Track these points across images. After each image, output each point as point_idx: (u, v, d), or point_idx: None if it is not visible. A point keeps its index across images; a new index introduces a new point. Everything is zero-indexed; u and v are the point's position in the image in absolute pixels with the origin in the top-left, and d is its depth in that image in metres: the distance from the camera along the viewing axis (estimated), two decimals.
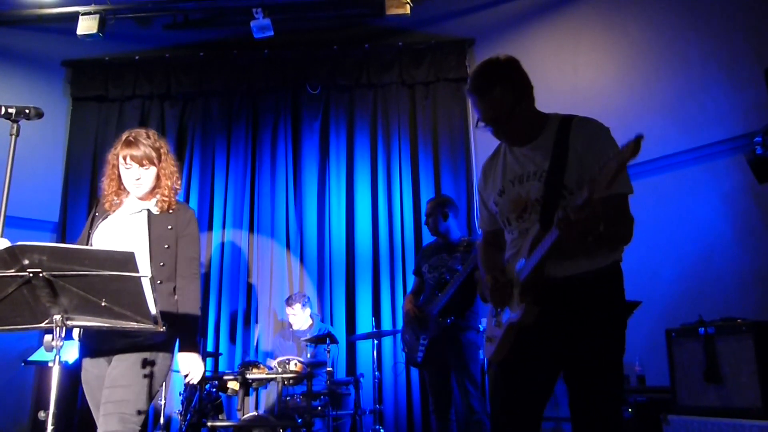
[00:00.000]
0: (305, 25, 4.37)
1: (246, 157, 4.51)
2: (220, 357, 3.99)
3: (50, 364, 1.38)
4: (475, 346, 2.78)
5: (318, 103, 4.57)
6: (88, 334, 1.73)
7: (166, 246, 1.82)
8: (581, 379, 1.44)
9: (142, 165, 1.82)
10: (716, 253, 3.16)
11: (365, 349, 4.01)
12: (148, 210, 1.85)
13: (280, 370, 3.14)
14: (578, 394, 1.44)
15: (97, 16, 3.98)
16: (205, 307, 4.26)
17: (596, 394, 1.42)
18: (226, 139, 4.56)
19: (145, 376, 1.70)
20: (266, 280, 4.30)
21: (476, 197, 4.19)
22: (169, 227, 1.84)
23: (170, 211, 1.86)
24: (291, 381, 3.17)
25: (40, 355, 3.53)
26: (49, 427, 1.37)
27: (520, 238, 1.52)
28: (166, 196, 1.85)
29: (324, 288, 4.25)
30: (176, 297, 1.82)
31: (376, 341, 3.49)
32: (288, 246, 4.35)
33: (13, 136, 1.60)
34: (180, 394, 3.30)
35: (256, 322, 4.23)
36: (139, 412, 1.67)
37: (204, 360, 3.67)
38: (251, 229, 4.41)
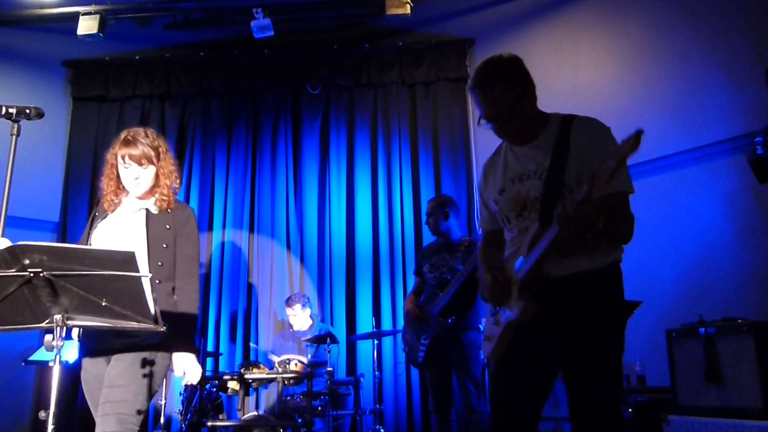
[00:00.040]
0: (305, 25, 4.37)
1: (246, 157, 4.51)
2: (220, 357, 4.01)
3: (51, 364, 1.38)
4: (476, 346, 2.78)
5: (318, 103, 4.57)
6: (87, 334, 1.72)
7: (165, 245, 1.81)
8: (580, 378, 1.43)
9: (140, 164, 1.81)
10: (717, 253, 3.15)
11: (365, 349, 4.01)
12: (147, 209, 1.84)
13: (280, 370, 3.14)
14: (577, 394, 1.44)
15: (98, 16, 3.98)
16: (205, 307, 4.25)
17: (595, 394, 1.41)
18: (226, 139, 4.56)
19: (144, 375, 1.69)
20: (266, 280, 4.30)
21: (476, 197, 4.20)
22: (167, 226, 1.83)
23: (169, 211, 1.85)
24: (291, 381, 3.17)
25: (40, 354, 3.53)
26: (50, 427, 1.37)
27: (519, 237, 1.52)
28: (165, 195, 1.84)
29: (324, 288, 4.25)
30: (175, 297, 1.81)
31: (376, 341, 3.49)
32: (288, 246, 4.35)
33: (14, 136, 1.60)
34: (180, 394, 3.30)
35: (257, 322, 4.24)
36: (138, 412, 1.66)
37: (204, 360, 3.70)
38: (251, 229, 4.41)
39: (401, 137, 4.43)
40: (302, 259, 4.33)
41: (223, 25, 4.36)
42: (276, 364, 3.20)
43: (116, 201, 1.86)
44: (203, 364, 3.62)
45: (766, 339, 2.31)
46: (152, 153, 1.83)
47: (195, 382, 1.81)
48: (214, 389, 3.34)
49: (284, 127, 4.55)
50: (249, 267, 4.34)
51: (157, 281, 1.74)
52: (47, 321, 1.37)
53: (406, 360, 3.29)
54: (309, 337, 3.58)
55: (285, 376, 3.11)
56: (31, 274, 1.28)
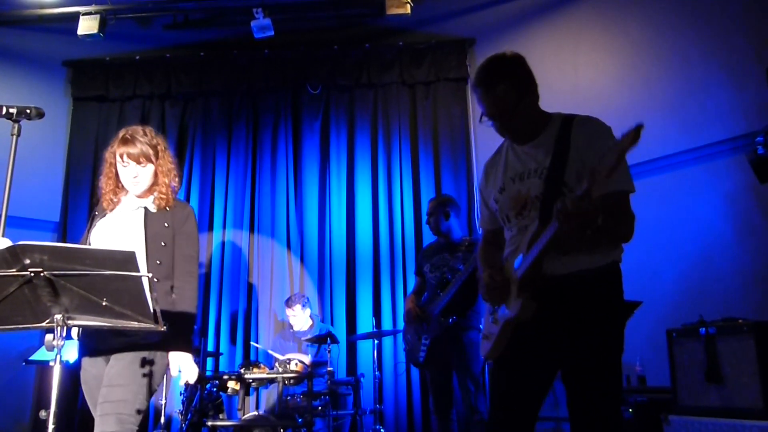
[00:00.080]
0: (305, 24, 4.37)
1: (246, 157, 4.51)
2: (220, 357, 4.01)
3: (51, 364, 1.37)
4: (477, 346, 2.78)
5: (318, 103, 4.57)
6: (85, 334, 1.71)
7: (163, 243, 1.79)
8: (579, 377, 1.43)
9: (139, 162, 1.80)
10: (717, 253, 3.15)
11: (366, 349, 4.01)
12: (145, 207, 1.83)
13: (280, 369, 3.14)
14: (577, 393, 1.44)
15: (98, 16, 3.98)
16: (205, 307, 4.26)
17: (595, 394, 1.41)
18: (226, 139, 4.56)
19: (144, 375, 1.69)
20: (267, 280, 4.30)
21: (477, 197, 4.20)
22: (166, 224, 1.82)
23: (167, 209, 1.84)
24: (291, 381, 3.17)
25: (41, 354, 3.53)
26: (50, 427, 1.37)
27: (519, 235, 1.52)
28: (164, 194, 1.83)
29: (324, 288, 4.25)
30: (174, 295, 1.79)
31: (376, 341, 3.49)
32: (288, 246, 4.35)
33: (14, 136, 1.60)
34: (180, 394, 3.30)
35: (257, 322, 4.24)
36: (138, 412, 1.65)
37: (204, 360, 3.70)
38: (252, 229, 4.41)
39: (401, 137, 4.43)
40: (302, 259, 4.33)
41: (223, 25, 4.36)
42: (276, 364, 3.20)
43: (115, 200, 1.85)
44: (203, 364, 3.63)
45: (766, 339, 2.31)
46: (150, 151, 1.81)
47: (191, 382, 1.79)
48: (215, 389, 3.35)
49: (284, 127, 4.55)
50: (249, 267, 4.34)
51: (156, 280, 1.73)
52: (48, 321, 1.37)
53: (407, 360, 3.29)
54: (309, 337, 3.58)
55: (285, 375, 3.11)
56: (32, 274, 1.28)
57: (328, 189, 4.43)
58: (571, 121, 1.50)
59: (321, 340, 3.41)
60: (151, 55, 4.61)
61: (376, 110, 4.53)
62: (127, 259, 1.31)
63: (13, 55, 4.39)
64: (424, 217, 3.68)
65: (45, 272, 1.28)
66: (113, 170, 1.84)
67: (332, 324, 4.12)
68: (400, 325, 3.98)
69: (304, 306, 3.86)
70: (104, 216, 1.85)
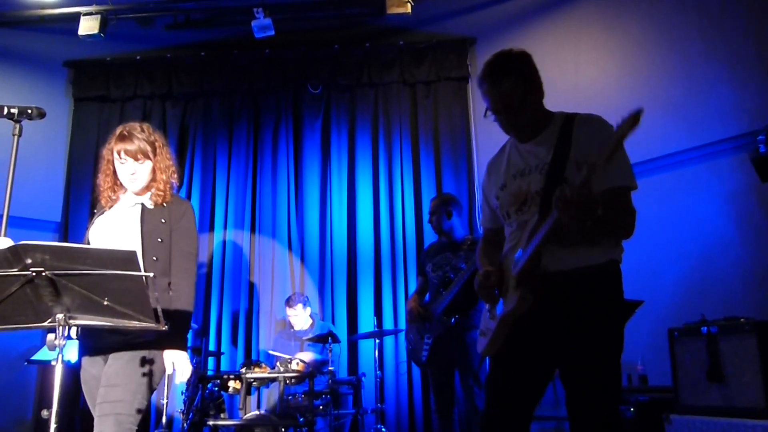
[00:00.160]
0: (306, 24, 4.37)
1: (247, 157, 4.51)
2: (222, 356, 4.01)
3: (53, 363, 1.38)
4: None
5: (319, 102, 4.57)
6: (83, 333, 1.70)
7: (160, 240, 1.77)
8: (578, 375, 1.43)
9: (137, 159, 1.78)
10: (719, 252, 3.15)
11: (367, 349, 4.01)
12: (142, 204, 1.81)
13: (282, 369, 3.15)
14: (575, 391, 1.43)
15: (99, 16, 3.98)
16: (206, 307, 4.26)
17: (594, 392, 1.41)
18: (227, 139, 4.57)
19: (143, 374, 1.68)
20: (268, 279, 4.30)
21: (478, 196, 4.19)
22: (163, 220, 1.80)
23: (164, 205, 1.82)
24: (293, 380, 3.17)
25: (42, 354, 3.54)
26: (52, 426, 1.37)
27: (518, 231, 1.52)
28: (161, 190, 1.81)
29: (325, 287, 4.25)
30: (171, 293, 1.77)
31: (377, 340, 3.49)
32: (289, 245, 4.35)
33: (16, 137, 1.61)
34: (182, 393, 3.31)
35: (258, 322, 4.24)
36: (137, 411, 1.64)
37: (206, 359, 3.70)
38: (252, 229, 4.41)
39: (402, 136, 4.43)
40: (303, 259, 4.33)
41: (223, 24, 4.36)
42: (278, 363, 3.21)
43: (114, 197, 1.84)
44: (205, 364, 3.63)
45: None
46: (148, 148, 1.80)
47: (183, 380, 1.75)
48: (216, 388, 3.35)
49: (285, 126, 4.55)
50: (250, 266, 4.35)
51: (153, 276, 1.72)
52: (49, 320, 1.37)
53: (410, 359, 3.28)
54: (310, 336, 3.58)
55: (286, 375, 3.11)
56: (34, 274, 1.28)
57: (329, 188, 4.43)
58: (573, 119, 1.50)
59: (322, 339, 3.41)
60: (151, 55, 4.62)
61: (377, 110, 4.53)
62: (128, 259, 1.31)
63: (14, 55, 4.40)
64: (425, 216, 3.69)
65: (46, 272, 1.28)
66: (111, 167, 1.83)
67: (333, 323, 4.12)
68: (402, 324, 3.98)
69: (305, 305, 3.86)
70: (102, 214, 1.85)
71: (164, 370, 1.76)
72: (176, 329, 1.74)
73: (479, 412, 2.69)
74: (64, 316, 1.36)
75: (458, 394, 2.85)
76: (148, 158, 1.81)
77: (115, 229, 1.79)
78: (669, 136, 3.38)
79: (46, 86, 4.54)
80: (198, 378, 3.27)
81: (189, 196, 4.42)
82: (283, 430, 2.99)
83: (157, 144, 1.84)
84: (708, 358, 2.42)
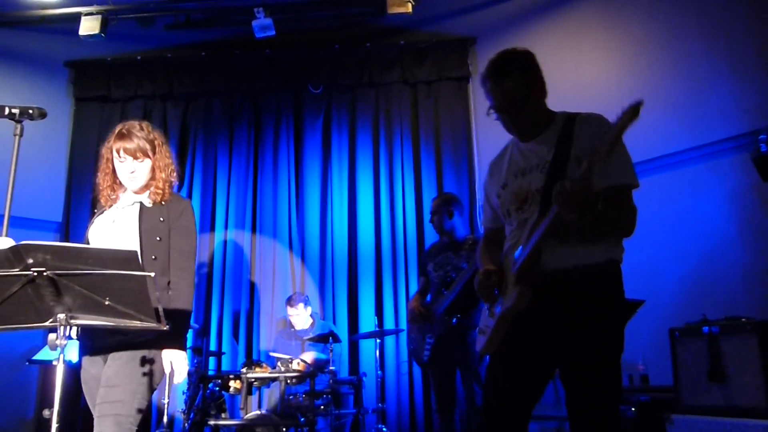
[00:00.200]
0: (306, 24, 4.37)
1: (248, 157, 4.52)
2: (223, 356, 4.01)
3: (54, 363, 1.38)
4: None
5: (320, 102, 4.57)
6: (83, 333, 1.70)
7: (158, 238, 1.76)
8: (578, 374, 1.42)
9: (136, 158, 1.77)
10: (720, 252, 3.14)
11: (368, 348, 4.01)
12: (141, 203, 1.80)
13: (282, 369, 3.15)
14: (575, 391, 1.43)
15: (99, 16, 3.99)
16: (208, 307, 4.26)
17: (593, 392, 1.40)
18: (228, 139, 4.57)
19: (143, 374, 1.67)
20: (269, 279, 4.30)
21: (478, 196, 4.19)
22: (161, 219, 1.78)
23: (163, 203, 1.81)
24: (294, 380, 3.17)
25: (44, 354, 3.54)
26: (54, 425, 1.37)
27: (518, 229, 1.52)
28: (160, 188, 1.80)
29: (326, 287, 4.25)
30: (170, 292, 1.76)
31: (378, 340, 3.49)
32: (290, 245, 4.36)
33: (17, 137, 1.61)
34: (183, 393, 3.31)
35: (259, 322, 4.24)
36: (138, 411, 1.63)
37: (207, 359, 3.70)
38: (253, 229, 4.41)
39: (403, 136, 4.43)
40: (304, 258, 4.33)
41: (224, 24, 4.37)
42: (279, 363, 3.21)
43: (113, 196, 1.83)
44: (206, 363, 3.63)
45: None
46: (147, 146, 1.79)
47: (179, 381, 1.73)
48: (217, 388, 3.35)
49: (286, 126, 4.55)
50: (251, 266, 4.35)
51: (153, 275, 1.71)
52: (51, 320, 1.37)
53: (411, 359, 3.28)
54: (311, 335, 3.58)
55: (287, 375, 3.11)
56: (35, 274, 1.28)
57: (329, 188, 4.43)
58: (574, 119, 1.51)
59: (323, 339, 3.41)
60: (152, 55, 4.62)
61: (378, 110, 4.53)
62: (130, 259, 1.31)
63: (15, 55, 4.40)
64: (426, 216, 3.68)
65: (48, 272, 1.28)
66: (110, 166, 1.82)
67: (334, 323, 4.12)
68: (403, 324, 3.98)
69: (306, 304, 3.86)
70: (102, 213, 1.84)
71: (163, 369, 1.75)
72: (175, 329, 1.71)
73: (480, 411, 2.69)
74: (66, 316, 1.36)
75: (460, 394, 2.85)
76: (148, 157, 1.79)
77: (114, 228, 1.79)
78: (670, 136, 3.38)
79: (47, 86, 4.55)
80: (199, 378, 3.27)
81: (190, 196, 4.42)
82: (284, 429, 2.99)
83: (156, 142, 1.83)
84: (709, 357, 2.42)
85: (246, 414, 3.08)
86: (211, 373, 3.63)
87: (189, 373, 3.30)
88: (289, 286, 4.27)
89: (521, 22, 4.23)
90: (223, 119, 4.60)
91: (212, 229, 4.42)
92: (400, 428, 3.94)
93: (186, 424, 3.15)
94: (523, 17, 4.22)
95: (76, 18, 4.02)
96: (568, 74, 3.91)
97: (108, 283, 1.33)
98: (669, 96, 3.45)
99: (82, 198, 4.44)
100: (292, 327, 3.91)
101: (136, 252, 1.32)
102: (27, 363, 3.57)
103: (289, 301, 3.88)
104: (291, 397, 3.31)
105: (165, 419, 3.14)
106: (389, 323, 4.08)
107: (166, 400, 3.06)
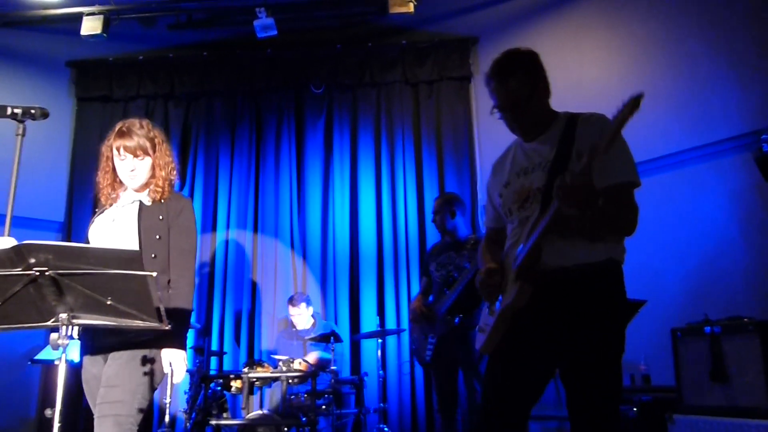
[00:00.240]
0: (308, 24, 4.37)
1: (249, 157, 4.52)
2: (224, 356, 4.02)
3: (56, 363, 1.38)
4: None
5: (321, 102, 4.57)
6: (84, 332, 1.69)
7: (158, 237, 1.75)
8: (578, 374, 1.42)
9: (136, 155, 1.76)
10: (722, 252, 3.14)
11: (369, 348, 4.02)
12: (140, 201, 1.80)
13: (284, 368, 3.15)
14: (575, 390, 1.43)
15: (101, 16, 3.99)
16: (209, 306, 4.27)
17: (594, 391, 1.40)
18: (229, 139, 4.57)
19: (144, 374, 1.66)
20: (270, 279, 4.31)
21: (480, 196, 4.19)
22: (160, 217, 1.77)
23: (162, 201, 1.80)
24: (295, 379, 3.18)
25: (46, 353, 3.55)
26: (56, 425, 1.37)
27: (519, 227, 1.52)
28: (160, 187, 1.79)
29: (328, 287, 4.25)
30: (170, 291, 1.76)
31: (380, 340, 3.49)
32: (292, 245, 4.36)
33: (19, 137, 1.61)
34: (185, 393, 3.31)
35: (260, 321, 4.24)
36: (138, 411, 1.63)
37: (208, 359, 3.71)
38: (255, 229, 4.42)
39: (404, 136, 4.43)
40: (306, 258, 4.34)
41: (226, 24, 4.37)
42: (280, 363, 3.21)
43: (114, 195, 1.83)
44: (207, 363, 3.64)
45: None
46: (148, 144, 1.78)
47: (178, 381, 1.73)
48: (219, 388, 3.36)
49: (287, 126, 4.55)
50: (253, 266, 4.35)
51: (155, 275, 1.70)
52: (53, 320, 1.37)
53: (413, 358, 3.28)
54: (312, 335, 3.58)
55: (289, 374, 3.11)
56: (37, 273, 1.28)
57: (331, 188, 4.43)
58: (576, 119, 1.51)
59: (325, 338, 3.41)
60: (154, 55, 4.63)
61: (379, 109, 4.52)
62: (132, 258, 1.31)
63: (17, 55, 4.41)
64: (428, 216, 3.68)
65: (50, 271, 1.28)
66: (110, 164, 1.81)
67: (336, 323, 4.13)
68: (404, 324, 3.98)
69: (308, 304, 3.86)
70: (102, 212, 1.84)
71: (163, 369, 1.74)
72: (175, 328, 1.70)
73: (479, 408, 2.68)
74: (68, 315, 1.36)
75: (462, 395, 2.85)
76: (148, 154, 1.79)
77: (114, 226, 1.78)
78: (671, 136, 3.37)
79: (49, 86, 4.56)
80: (201, 377, 3.27)
81: (192, 196, 4.43)
82: (285, 429, 2.99)
83: (156, 140, 1.82)
84: (711, 358, 2.41)
85: (247, 414, 3.08)
86: (212, 372, 3.63)
87: (191, 373, 3.31)
88: (291, 286, 4.27)
89: (523, 21, 4.23)
90: (224, 119, 4.61)
91: (214, 228, 4.43)
92: (401, 428, 3.94)
93: (188, 424, 3.15)
94: (524, 17, 4.21)
95: (77, 18, 4.02)
96: (569, 74, 3.91)
97: (110, 282, 1.33)
98: (670, 96, 3.45)
99: (84, 198, 4.44)
100: (294, 327, 3.91)
101: (139, 252, 1.32)
102: (29, 362, 3.58)
103: (291, 301, 3.89)
104: (292, 396, 3.31)
105: (167, 419, 3.14)
106: (391, 323, 4.08)
107: (167, 400, 3.05)
